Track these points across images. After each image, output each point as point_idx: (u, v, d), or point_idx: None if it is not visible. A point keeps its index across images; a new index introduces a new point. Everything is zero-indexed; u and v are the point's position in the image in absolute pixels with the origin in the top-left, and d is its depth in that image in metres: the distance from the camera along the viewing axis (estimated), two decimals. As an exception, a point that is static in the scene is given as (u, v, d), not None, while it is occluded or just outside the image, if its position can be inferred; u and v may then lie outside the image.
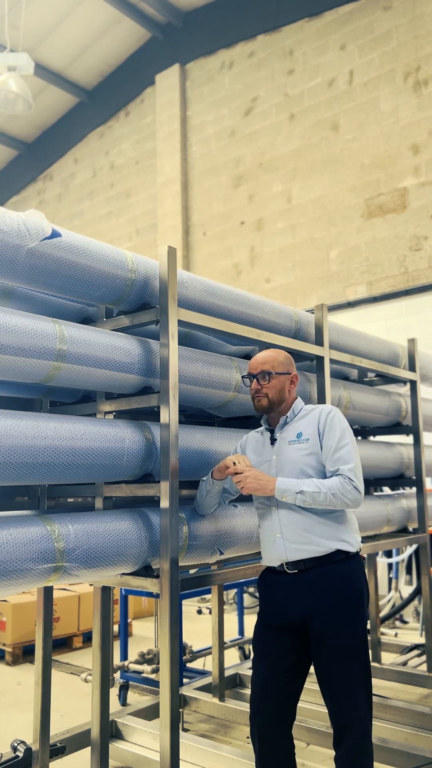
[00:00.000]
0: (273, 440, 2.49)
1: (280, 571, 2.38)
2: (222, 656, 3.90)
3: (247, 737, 3.53)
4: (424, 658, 4.84)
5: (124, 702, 4.21)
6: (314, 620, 2.29)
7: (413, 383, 4.33)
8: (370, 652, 4.71)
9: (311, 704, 3.74)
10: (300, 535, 2.33)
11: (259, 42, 9.34)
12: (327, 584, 2.30)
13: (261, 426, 2.61)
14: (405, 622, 6.55)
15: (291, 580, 2.35)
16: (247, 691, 4.00)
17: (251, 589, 7.33)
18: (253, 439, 2.61)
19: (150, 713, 3.70)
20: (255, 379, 2.48)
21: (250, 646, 5.01)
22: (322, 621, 2.28)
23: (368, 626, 2.39)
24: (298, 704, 3.57)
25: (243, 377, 2.59)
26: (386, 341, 4.22)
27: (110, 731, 3.20)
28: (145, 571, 2.48)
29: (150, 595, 4.64)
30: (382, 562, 6.75)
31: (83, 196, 11.89)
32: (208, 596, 7.00)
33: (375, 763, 3.13)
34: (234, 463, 2.40)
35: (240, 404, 3.05)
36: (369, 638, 4.84)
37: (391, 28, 7.91)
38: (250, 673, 3.55)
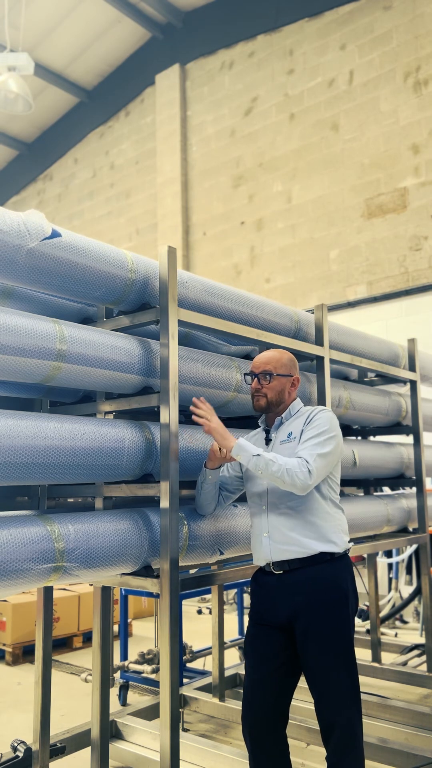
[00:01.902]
0: (268, 440, 2.51)
1: (268, 572, 2.40)
2: (222, 656, 3.90)
3: (247, 737, 3.53)
4: (424, 658, 4.84)
5: (124, 702, 4.21)
6: (299, 621, 2.30)
7: (413, 383, 4.33)
8: (370, 652, 4.74)
9: (310, 704, 3.74)
10: (285, 535, 2.34)
11: (259, 42, 9.34)
12: (311, 585, 2.30)
13: (259, 426, 2.62)
14: (405, 622, 6.55)
15: (277, 581, 2.36)
16: (247, 691, 4.00)
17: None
18: (250, 438, 2.63)
19: (150, 713, 3.70)
20: (256, 378, 2.48)
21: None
22: (306, 622, 2.29)
23: (355, 626, 2.36)
24: (298, 704, 3.60)
25: (245, 374, 2.61)
26: (386, 341, 4.22)
27: (110, 731, 3.20)
28: (145, 571, 2.48)
29: (150, 595, 4.64)
30: (382, 562, 6.74)
31: (83, 196, 11.89)
32: (208, 596, 7.00)
33: (375, 764, 3.14)
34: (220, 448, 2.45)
35: (240, 404, 3.05)
36: (369, 638, 4.86)
37: (391, 28, 7.91)
38: (250, 673, 3.55)
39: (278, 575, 2.36)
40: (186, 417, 3.20)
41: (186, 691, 4.00)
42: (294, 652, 2.35)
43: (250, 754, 2.35)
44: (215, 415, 2.43)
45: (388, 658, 5.04)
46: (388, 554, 6.70)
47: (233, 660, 5.07)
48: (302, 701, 3.63)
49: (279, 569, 2.36)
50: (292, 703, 3.52)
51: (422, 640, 5.28)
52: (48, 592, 2.98)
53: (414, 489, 4.37)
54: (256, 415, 2.68)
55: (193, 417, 2.43)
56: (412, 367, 4.36)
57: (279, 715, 2.35)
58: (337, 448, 2.38)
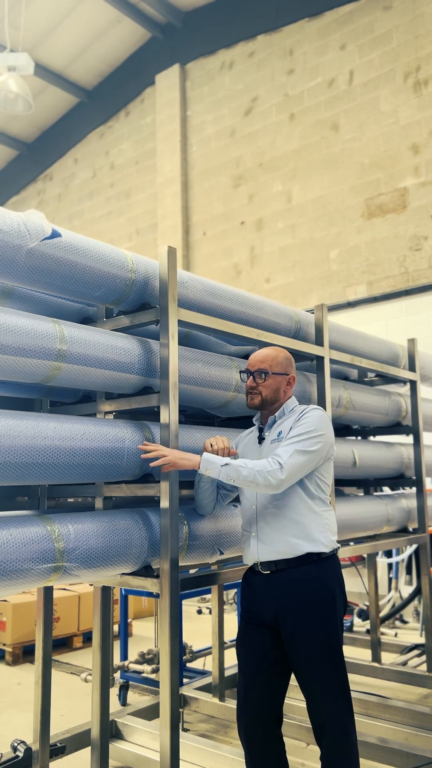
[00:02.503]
0: (261, 439, 2.51)
1: (257, 572, 2.41)
2: (222, 656, 3.90)
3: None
4: (424, 658, 4.84)
5: (124, 702, 4.21)
6: (286, 621, 2.30)
7: (413, 383, 4.33)
8: (370, 652, 4.73)
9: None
10: (272, 535, 2.35)
11: (259, 42, 9.34)
12: (296, 586, 2.31)
13: (254, 424, 2.62)
14: (405, 622, 6.55)
15: (264, 581, 2.37)
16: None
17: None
18: (245, 436, 2.64)
19: (150, 713, 3.70)
20: (251, 376, 2.49)
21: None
22: (292, 622, 2.29)
23: (343, 626, 2.37)
24: (297, 703, 3.60)
25: (240, 372, 2.61)
26: (386, 341, 4.23)
27: (110, 731, 3.20)
28: (145, 571, 2.49)
29: (150, 595, 4.64)
30: (382, 562, 6.74)
31: (83, 196, 11.89)
32: (208, 596, 7.00)
33: (375, 764, 3.14)
34: (211, 444, 2.44)
35: (240, 404, 3.05)
36: (369, 638, 4.86)
37: (391, 28, 7.90)
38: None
39: (266, 575, 2.37)
40: (186, 417, 3.21)
41: (186, 691, 4.00)
42: (284, 651, 2.36)
43: (246, 754, 2.36)
44: (164, 447, 2.40)
45: (388, 658, 5.04)
46: (388, 554, 6.70)
47: (233, 660, 5.06)
48: (301, 701, 3.63)
49: (266, 569, 2.36)
50: (291, 702, 3.54)
51: (422, 640, 5.28)
52: (48, 592, 2.98)
53: (414, 489, 4.37)
54: (254, 414, 2.68)
55: (150, 465, 2.39)
56: (412, 367, 4.36)
57: (273, 714, 2.35)
58: (323, 448, 2.36)
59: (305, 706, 3.64)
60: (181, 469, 2.37)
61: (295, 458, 2.27)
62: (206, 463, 2.31)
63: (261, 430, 2.54)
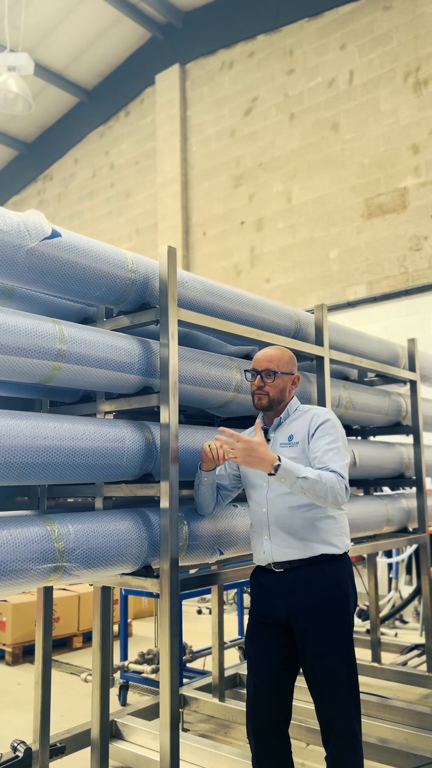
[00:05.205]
0: (266, 440, 2.49)
1: (268, 570, 2.40)
2: (222, 656, 3.90)
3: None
4: (424, 658, 4.84)
5: (124, 702, 4.21)
6: (298, 619, 2.30)
7: (413, 383, 4.33)
8: (370, 652, 4.73)
9: (310, 704, 3.74)
10: (287, 538, 2.34)
11: (259, 42, 9.34)
12: (311, 583, 2.31)
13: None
14: (405, 622, 6.55)
15: (277, 579, 2.37)
16: (247, 691, 3.99)
17: (251, 589, 7.31)
18: (248, 436, 2.62)
19: (150, 713, 3.70)
20: (258, 376, 2.47)
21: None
22: (305, 620, 2.29)
23: (354, 625, 2.39)
24: (298, 704, 3.60)
25: (246, 371, 2.57)
26: (386, 341, 4.22)
27: (110, 731, 3.20)
28: (145, 571, 2.48)
29: (150, 595, 4.64)
30: (382, 562, 6.74)
31: (83, 196, 11.89)
32: (208, 596, 7.00)
33: (375, 764, 3.14)
34: (210, 446, 2.39)
35: (240, 404, 3.05)
36: (369, 638, 4.86)
37: (391, 28, 7.90)
38: (250, 673, 3.54)
39: (278, 574, 2.37)
40: (186, 417, 3.21)
41: (186, 691, 4.00)
42: (294, 650, 2.36)
43: (254, 752, 2.36)
44: (241, 436, 2.24)
45: (388, 658, 5.04)
46: (388, 554, 6.70)
47: (233, 660, 5.07)
48: (302, 701, 3.64)
49: (279, 568, 2.36)
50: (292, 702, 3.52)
51: (422, 640, 5.28)
52: (48, 592, 2.98)
53: (414, 489, 4.37)
54: (256, 414, 2.68)
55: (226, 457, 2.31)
56: (412, 367, 4.36)
57: (282, 713, 2.36)
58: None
59: (306, 706, 3.66)
60: (252, 466, 2.21)
61: (346, 474, 2.28)
62: (284, 472, 2.16)
63: (266, 431, 2.53)
